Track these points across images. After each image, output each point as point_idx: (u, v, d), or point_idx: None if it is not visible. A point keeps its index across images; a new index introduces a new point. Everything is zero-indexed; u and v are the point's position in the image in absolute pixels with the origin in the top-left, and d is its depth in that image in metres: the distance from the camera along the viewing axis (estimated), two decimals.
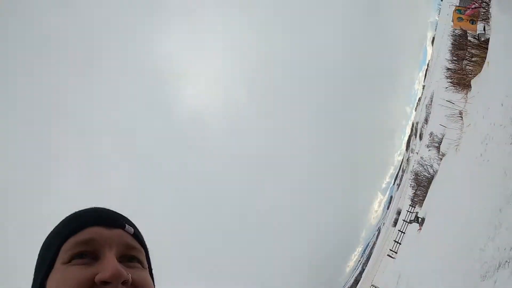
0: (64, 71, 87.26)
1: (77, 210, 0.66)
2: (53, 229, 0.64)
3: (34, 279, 0.61)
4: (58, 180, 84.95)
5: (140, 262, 0.63)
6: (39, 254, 0.64)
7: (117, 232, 0.62)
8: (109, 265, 0.55)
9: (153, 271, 0.69)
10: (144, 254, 0.66)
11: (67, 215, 0.65)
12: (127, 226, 0.64)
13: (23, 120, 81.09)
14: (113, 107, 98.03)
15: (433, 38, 70.65)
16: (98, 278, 0.53)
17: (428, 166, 20.63)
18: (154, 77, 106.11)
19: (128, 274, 0.56)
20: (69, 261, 0.57)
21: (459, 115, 14.37)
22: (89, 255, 0.58)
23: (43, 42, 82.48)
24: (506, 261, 4.62)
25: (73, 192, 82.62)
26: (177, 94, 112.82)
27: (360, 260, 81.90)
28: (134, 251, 0.63)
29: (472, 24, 14.57)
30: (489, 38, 11.33)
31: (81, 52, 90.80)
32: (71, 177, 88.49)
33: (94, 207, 0.66)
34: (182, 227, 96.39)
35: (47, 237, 0.64)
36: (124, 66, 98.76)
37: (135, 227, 0.67)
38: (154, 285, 0.65)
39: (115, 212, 0.67)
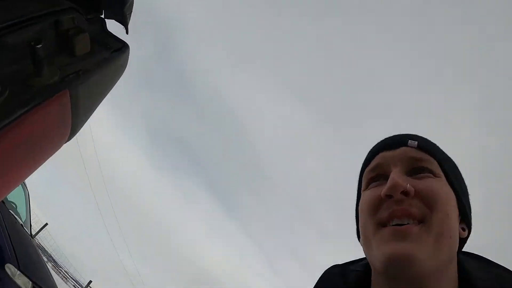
0: None
1: None
2: None
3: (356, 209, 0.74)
4: None
5: (431, 171, 0.64)
6: None
7: (400, 150, 0.66)
8: (390, 180, 0.60)
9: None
10: (436, 163, 0.66)
11: None
12: (409, 141, 0.66)
13: None
14: None
15: None
16: (382, 193, 0.60)
17: None
18: None
19: (406, 184, 0.59)
20: (367, 187, 0.68)
21: None
22: (381, 177, 0.66)
23: None
24: None
25: None
26: None
27: None
28: (421, 162, 0.65)
29: None
30: None
31: None
32: None
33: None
34: None
35: None
36: None
37: (423, 139, 0.69)
38: (458, 193, 0.65)
39: (398, 134, 0.71)
